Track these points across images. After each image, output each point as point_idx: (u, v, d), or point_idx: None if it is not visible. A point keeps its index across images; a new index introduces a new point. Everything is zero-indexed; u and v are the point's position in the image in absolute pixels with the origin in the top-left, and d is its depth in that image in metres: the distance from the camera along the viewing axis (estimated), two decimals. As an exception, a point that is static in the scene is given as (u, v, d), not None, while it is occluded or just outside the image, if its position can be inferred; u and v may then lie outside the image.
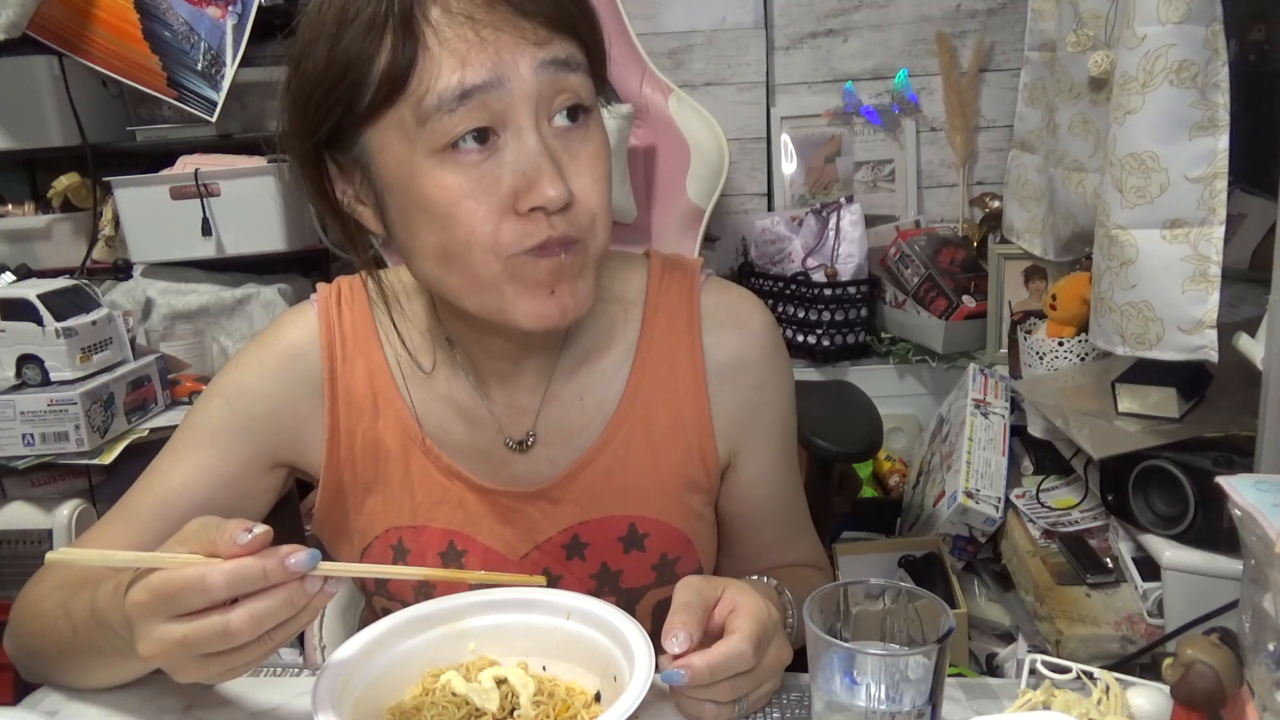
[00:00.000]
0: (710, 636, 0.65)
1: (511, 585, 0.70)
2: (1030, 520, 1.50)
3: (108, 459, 1.50)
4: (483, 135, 0.65)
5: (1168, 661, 0.62)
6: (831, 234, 2.04)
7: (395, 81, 0.64)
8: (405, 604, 0.74)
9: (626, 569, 0.84)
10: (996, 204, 2.03)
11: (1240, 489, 0.61)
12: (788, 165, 2.26)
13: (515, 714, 0.67)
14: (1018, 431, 1.68)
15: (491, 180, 0.66)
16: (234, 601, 0.58)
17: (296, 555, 0.58)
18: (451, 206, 0.66)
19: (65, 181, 1.83)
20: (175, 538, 0.61)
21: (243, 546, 0.58)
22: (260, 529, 0.59)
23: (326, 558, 0.61)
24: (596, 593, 0.83)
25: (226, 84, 1.76)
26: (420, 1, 0.63)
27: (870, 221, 2.14)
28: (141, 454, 1.53)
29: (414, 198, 0.67)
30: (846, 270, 2.02)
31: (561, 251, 0.68)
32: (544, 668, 0.72)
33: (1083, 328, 1.56)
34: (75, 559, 0.61)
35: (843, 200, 2.06)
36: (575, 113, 0.68)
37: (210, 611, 0.58)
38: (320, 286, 0.86)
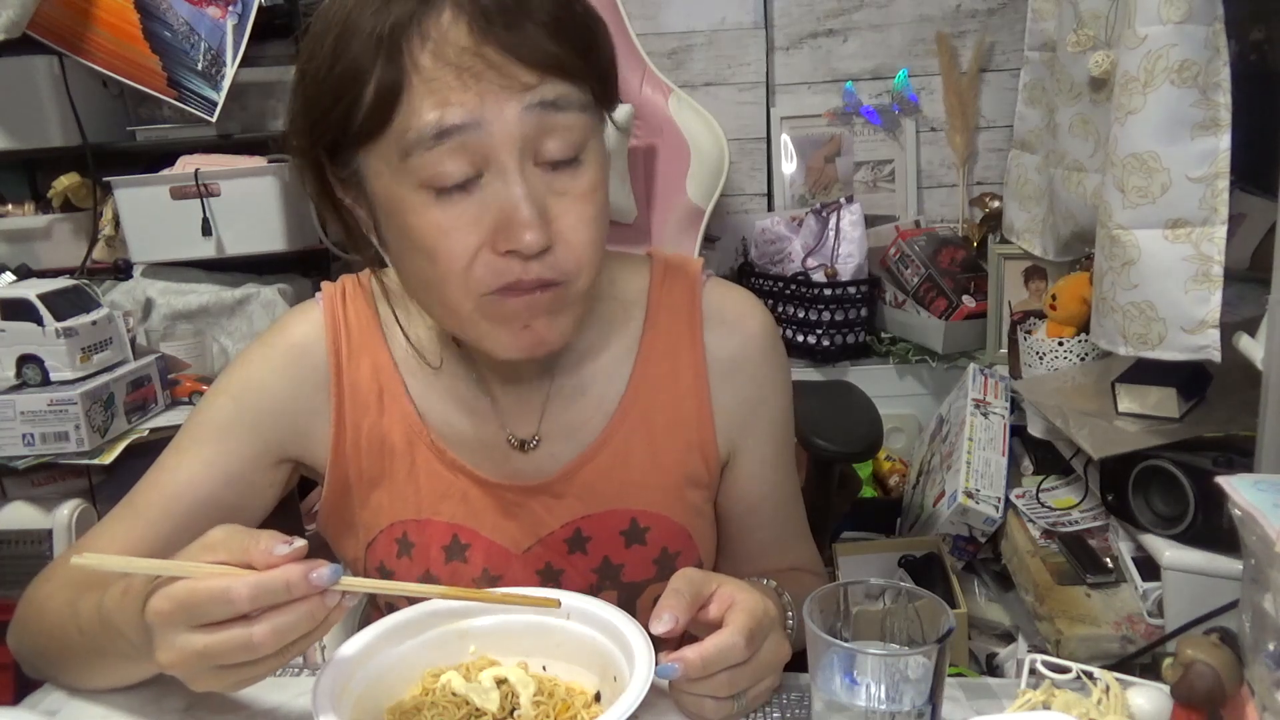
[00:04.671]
0: (708, 631, 0.66)
1: (527, 605, 0.69)
2: (1030, 520, 1.50)
3: (108, 459, 1.50)
4: (466, 174, 0.65)
5: (1168, 661, 0.62)
6: (831, 234, 2.04)
7: (381, 113, 0.64)
8: (410, 601, 0.74)
9: (628, 563, 0.84)
10: (996, 204, 2.03)
11: (1240, 489, 0.61)
12: (788, 165, 2.26)
13: (515, 714, 0.67)
14: (1018, 431, 1.68)
15: (472, 219, 0.66)
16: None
17: (319, 570, 0.58)
18: (434, 242, 0.67)
19: (65, 181, 1.83)
20: (200, 543, 0.61)
21: (280, 559, 0.58)
22: (299, 543, 0.59)
23: (331, 557, 0.61)
24: (598, 586, 0.84)
25: (226, 84, 1.76)
26: (409, 38, 0.63)
27: (870, 221, 2.15)
28: (142, 454, 1.52)
29: (400, 227, 0.68)
30: (846, 270, 2.02)
31: (537, 290, 0.68)
32: (544, 668, 0.72)
33: (1083, 328, 1.56)
34: (99, 564, 0.61)
35: (843, 200, 2.06)
36: (568, 152, 0.67)
37: (232, 623, 0.58)
38: (325, 285, 0.87)
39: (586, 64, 0.67)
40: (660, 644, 0.65)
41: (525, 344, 0.71)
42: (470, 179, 0.65)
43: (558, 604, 0.68)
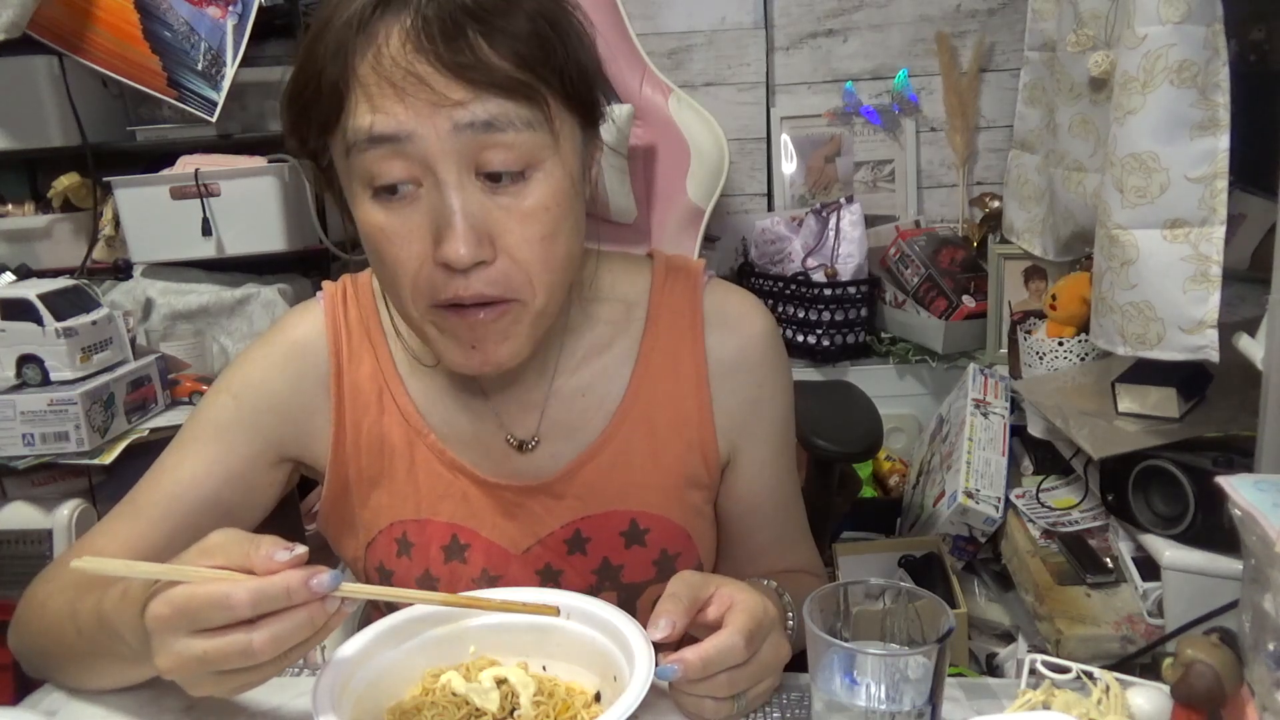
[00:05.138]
0: (708, 633, 0.66)
1: (527, 613, 0.69)
2: (1030, 520, 1.50)
3: (108, 459, 1.50)
4: (407, 180, 0.66)
5: (1168, 661, 0.62)
6: (831, 234, 2.04)
7: (330, 111, 0.66)
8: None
9: (627, 564, 0.84)
10: (996, 204, 2.03)
11: (1240, 489, 0.61)
12: (788, 165, 2.26)
13: (515, 714, 0.67)
14: (1018, 431, 1.68)
15: (412, 226, 0.67)
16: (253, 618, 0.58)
17: (319, 576, 0.58)
18: (379, 243, 0.68)
19: (65, 181, 1.83)
20: (199, 547, 0.61)
21: (281, 565, 0.58)
22: (299, 549, 0.59)
23: (330, 557, 0.61)
24: (597, 587, 0.84)
25: (226, 84, 1.76)
26: (354, 46, 0.64)
27: (870, 221, 2.15)
28: (142, 454, 1.52)
29: (356, 222, 0.70)
30: (846, 270, 2.02)
31: (481, 311, 0.68)
32: (544, 668, 0.72)
33: (1083, 328, 1.56)
34: (99, 568, 0.61)
35: (843, 200, 2.06)
36: (511, 167, 0.66)
37: (231, 629, 0.58)
38: (326, 284, 0.87)
39: (539, 79, 0.65)
40: (660, 645, 0.65)
41: (474, 363, 0.71)
42: (410, 186, 0.66)
43: (556, 611, 0.68)
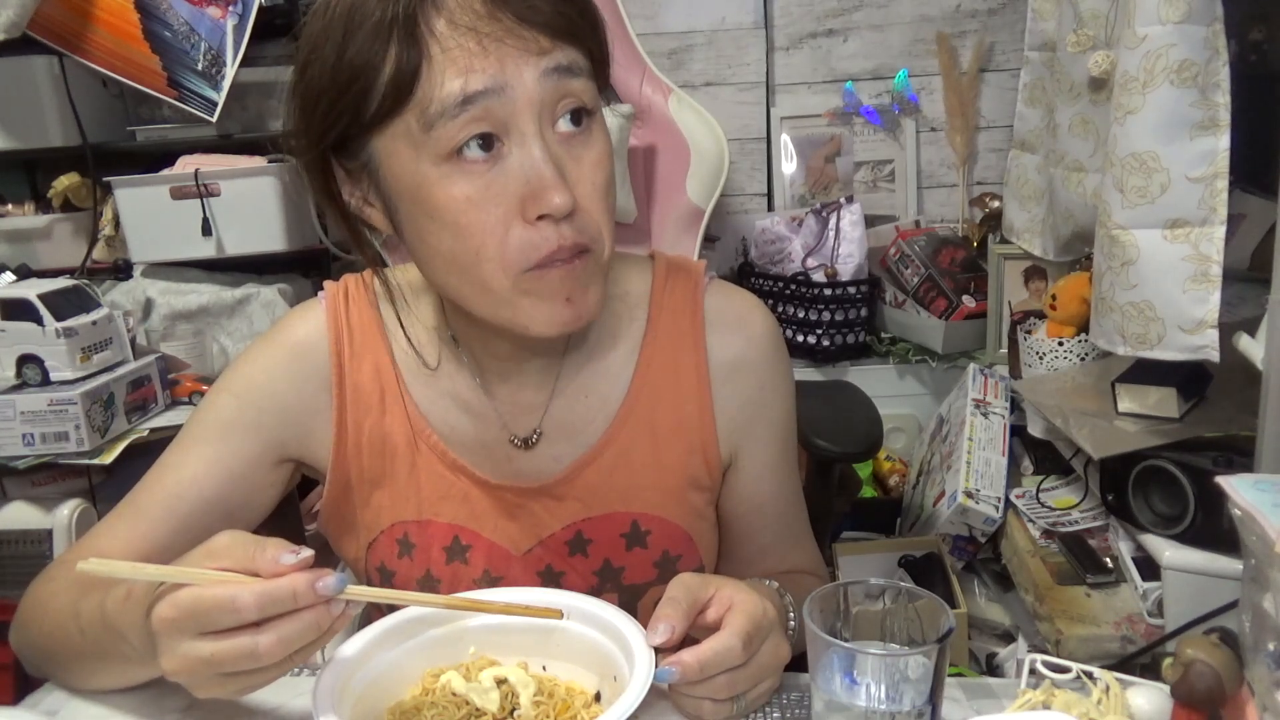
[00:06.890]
0: (708, 634, 0.66)
1: (530, 616, 0.69)
2: (1030, 520, 1.50)
3: (108, 459, 1.50)
4: (487, 143, 0.65)
5: (1168, 661, 0.62)
6: (831, 234, 2.04)
7: (400, 90, 0.64)
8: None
9: (629, 565, 0.84)
10: (996, 204, 2.03)
11: (1240, 489, 0.61)
12: (788, 165, 2.26)
13: (515, 714, 0.67)
14: (1018, 431, 1.68)
15: (498, 188, 0.66)
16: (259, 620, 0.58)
17: (325, 579, 0.58)
18: (460, 215, 0.66)
19: (65, 181, 1.83)
20: (204, 549, 0.61)
21: (288, 568, 0.58)
22: (306, 553, 0.59)
23: (330, 555, 0.61)
24: (598, 589, 0.84)
25: (226, 84, 1.76)
26: (425, 11, 0.63)
27: (870, 221, 2.14)
28: (142, 454, 1.53)
29: (423, 205, 0.68)
30: (846, 270, 2.02)
31: (576, 260, 0.69)
32: (544, 668, 0.72)
33: (1083, 328, 1.56)
34: (107, 570, 0.61)
35: (843, 200, 2.06)
36: (579, 116, 0.68)
37: (237, 631, 0.58)
38: (327, 284, 0.87)
39: (588, 28, 0.68)
40: (660, 648, 0.65)
41: (567, 317, 0.70)
42: (492, 148, 0.66)
43: (560, 615, 0.68)
